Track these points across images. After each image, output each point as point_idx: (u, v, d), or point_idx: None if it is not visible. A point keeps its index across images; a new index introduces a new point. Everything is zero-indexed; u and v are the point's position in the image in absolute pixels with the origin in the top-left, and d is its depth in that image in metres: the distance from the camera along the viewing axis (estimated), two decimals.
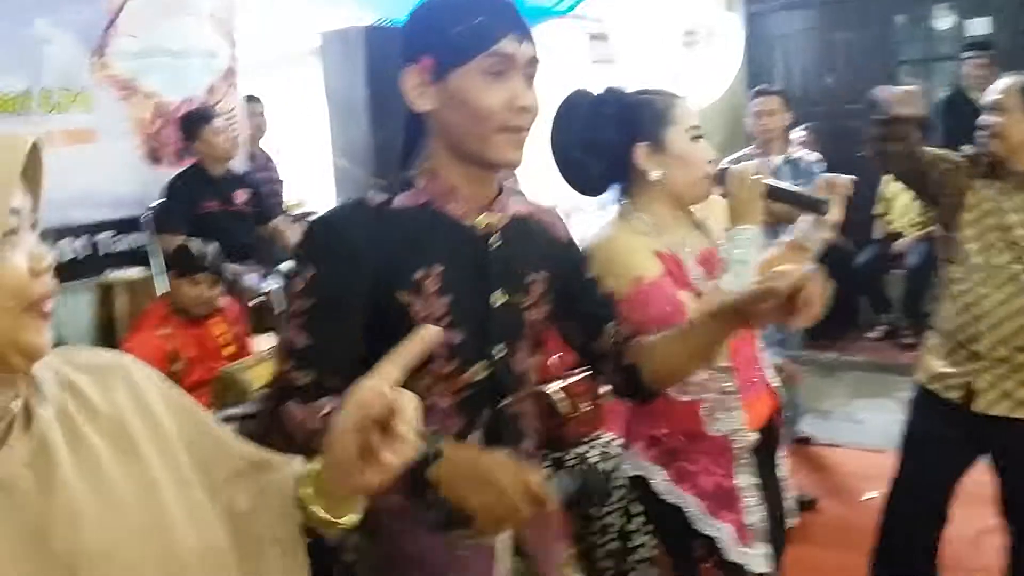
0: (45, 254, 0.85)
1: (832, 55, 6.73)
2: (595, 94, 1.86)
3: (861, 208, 5.82)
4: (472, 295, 1.32)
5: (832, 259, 5.96)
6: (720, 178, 1.84)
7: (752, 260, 1.76)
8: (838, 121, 6.66)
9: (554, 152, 1.86)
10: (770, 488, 1.92)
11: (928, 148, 2.41)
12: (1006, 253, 2.27)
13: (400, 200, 1.31)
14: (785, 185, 2.02)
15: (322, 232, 1.29)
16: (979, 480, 2.44)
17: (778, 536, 1.94)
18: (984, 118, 2.34)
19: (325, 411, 1.19)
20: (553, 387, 2.71)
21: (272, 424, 1.26)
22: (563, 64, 7.16)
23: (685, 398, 1.81)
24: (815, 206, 2.15)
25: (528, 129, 1.31)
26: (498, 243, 1.34)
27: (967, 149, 2.43)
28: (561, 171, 1.88)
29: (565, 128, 1.83)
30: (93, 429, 0.88)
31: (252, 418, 1.87)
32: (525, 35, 1.28)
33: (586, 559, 2.61)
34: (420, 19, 1.32)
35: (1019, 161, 2.30)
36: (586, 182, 1.88)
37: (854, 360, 5.42)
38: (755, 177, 1.80)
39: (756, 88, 4.15)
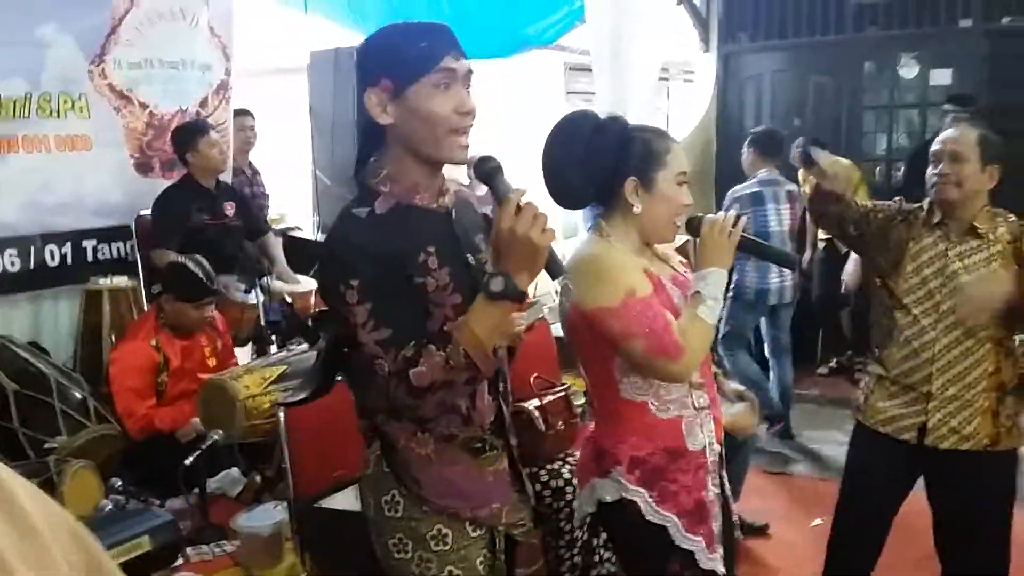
0: None
1: (801, 97, 6.98)
2: (598, 117, 2.00)
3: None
4: (457, 263, 1.63)
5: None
6: (694, 224, 2.00)
7: (721, 297, 1.94)
8: None
9: (546, 163, 1.97)
10: (723, 497, 2.06)
11: (857, 204, 2.56)
12: (952, 298, 2.40)
13: (380, 206, 1.60)
14: (756, 239, 2.21)
15: (346, 248, 1.56)
16: (920, 509, 2.59)
17: (731, 541, 2.10)
18: (944, 167, 2.43)
19: (438, 357, 1.49)
20: (531, 404, 2.85)
21: (399, 389, 1.52)
22: (539, 93, 7.38)
23: (667, 415, 1.93)
24: (782, 260, 2.42)
25: (470, 128, 1.62)
26: (455, 217, 1.68)
27: (925, 201, 2.54)
28: (548, 182, 2.00)
29: (563, 144, 1.95)
30: None
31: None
32: (461, 52, 1.60)
33: (551, 570, 2.77)
34: (373, 48, 1.63)
35: (968, 209, 2.43)
36: (570, 197, 2.02)
37: (807, 393, 5.64)
38: (732, 229, 1.95)
39: None
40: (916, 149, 5.87)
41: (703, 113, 7.34)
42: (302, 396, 1.93)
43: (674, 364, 1.85)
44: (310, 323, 3.44)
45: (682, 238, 2.96)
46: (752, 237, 2.12)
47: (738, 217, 1.99)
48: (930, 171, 2.49)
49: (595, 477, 1.98)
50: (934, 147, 2.50)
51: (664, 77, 8.43)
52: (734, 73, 7.36)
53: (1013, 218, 2.47)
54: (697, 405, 1.97)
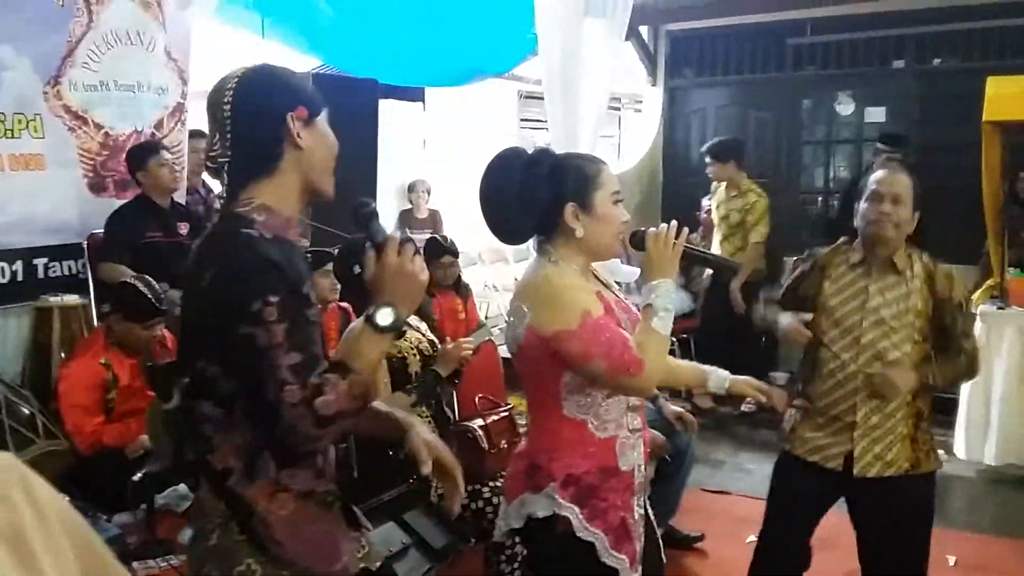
0: None
1: (743, 131, 7.23)
2: (528, 152, 2.07)
3: None
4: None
5: (732, 322, 6.40)
6: (638, 238, 2.06)
7: (672, 307, 2.00)
8: None
9: (485, 202, 2.03)
10: (647, 519, 2.16)
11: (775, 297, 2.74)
12: (873, 331, 2.54)
13: (265, 232, 1.54)
14: (699, 248, 2.32)
15: (258, 263, 1.49)
16: (847, 525, 2.71)
17: (656, 564, 2.20)
18: (885, 206, 2.51)
19: (343, 385, 1.44)
20: (475, 423, 2.97)
21: (305, 419, 1.43)
22: (493, 121, 7.54)
23: (604, 435, 1.99)
24: (724, 268, 2.46)
25: None
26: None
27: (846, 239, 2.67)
28: (489, 220, 2.06)
29: (498, 181, 2.01)
30: None
31: None
32: None
33: None
34: (287, 78, 1.65)
35: (893, 248, 2.55)
36: (513, 232, 2.09)
37: (742, 415, 5.80)
38: (675, 241, 2.01)
39: None
40: (852, 183, 6.13)
41: (650, 143, 7.57)
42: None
43: (636, 378, 1.90)
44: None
45: None
46: (695, 248, 2.20)
47: (680, 228, 2.02)
48: (866, 207, 2.55)
49: (526, 492, 2.02)
50: (874, 187, 2.54)
51: (615, 107, 8.67)
52: (679, 106, 7.62)
53: (926, 258, 2.61)
54: (631, 427, 2.04)
